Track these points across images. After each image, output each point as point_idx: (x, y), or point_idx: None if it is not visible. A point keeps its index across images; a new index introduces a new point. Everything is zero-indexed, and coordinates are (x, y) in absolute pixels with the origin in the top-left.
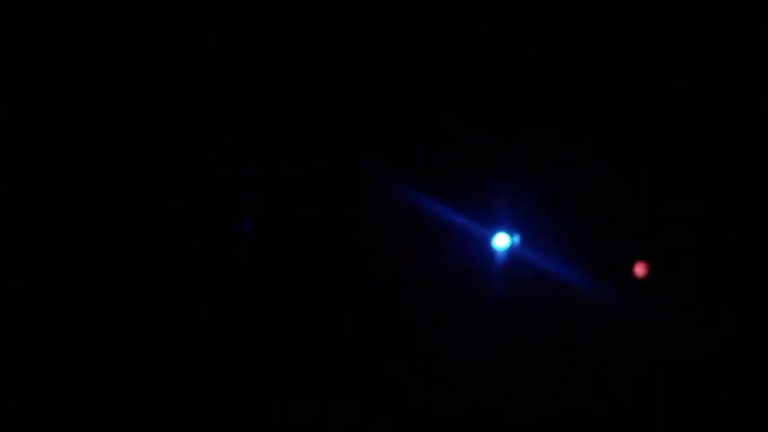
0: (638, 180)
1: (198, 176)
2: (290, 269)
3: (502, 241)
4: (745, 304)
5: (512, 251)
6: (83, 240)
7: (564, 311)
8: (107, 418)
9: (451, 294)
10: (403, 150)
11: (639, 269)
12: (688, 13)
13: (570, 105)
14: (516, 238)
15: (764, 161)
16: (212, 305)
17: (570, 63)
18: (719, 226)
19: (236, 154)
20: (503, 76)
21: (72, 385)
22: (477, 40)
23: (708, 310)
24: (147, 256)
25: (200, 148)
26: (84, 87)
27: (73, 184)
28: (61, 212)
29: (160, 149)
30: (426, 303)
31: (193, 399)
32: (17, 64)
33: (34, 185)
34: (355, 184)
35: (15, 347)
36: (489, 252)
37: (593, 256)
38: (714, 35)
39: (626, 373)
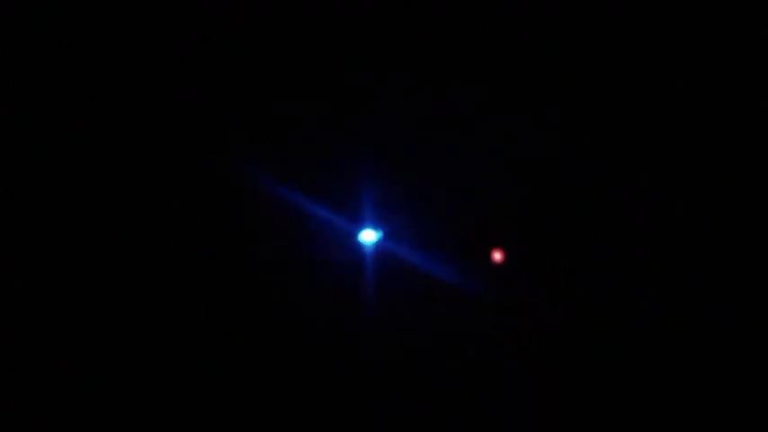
0: (496, 172)
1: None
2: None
3: (368, 236)
4: (604, 284)
5: (378, 245)
6: (83, 240)
7: (430, 299)
8: (107, 418)
9: (320, 289)
10: (269, 146)
11: (497, 256)
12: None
13: (432, 102)
14: (381, 233)
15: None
16: None
17: (428, 55)
18: (576, 210)
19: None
20: (369, 71)
21: (72, 385)
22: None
23: (566, 291)
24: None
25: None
26: (85, 87)
27: (73, 184)
28: (61, 212)
29: (160, 149)
30: (294, 299)
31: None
32: (17, 64)
33: (34, 185)
34: (222, 180)
35: (15, 347)
36: (356, 247)
37: (454, 247)
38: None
39: (493, 357)
